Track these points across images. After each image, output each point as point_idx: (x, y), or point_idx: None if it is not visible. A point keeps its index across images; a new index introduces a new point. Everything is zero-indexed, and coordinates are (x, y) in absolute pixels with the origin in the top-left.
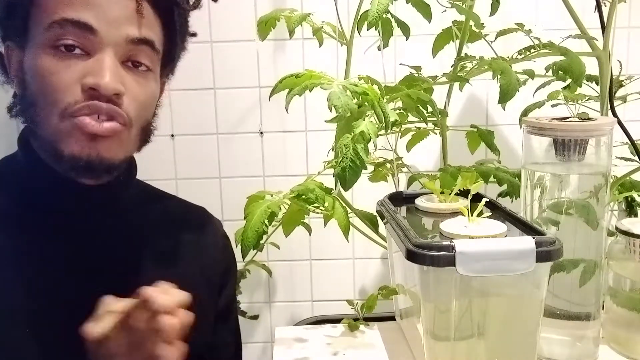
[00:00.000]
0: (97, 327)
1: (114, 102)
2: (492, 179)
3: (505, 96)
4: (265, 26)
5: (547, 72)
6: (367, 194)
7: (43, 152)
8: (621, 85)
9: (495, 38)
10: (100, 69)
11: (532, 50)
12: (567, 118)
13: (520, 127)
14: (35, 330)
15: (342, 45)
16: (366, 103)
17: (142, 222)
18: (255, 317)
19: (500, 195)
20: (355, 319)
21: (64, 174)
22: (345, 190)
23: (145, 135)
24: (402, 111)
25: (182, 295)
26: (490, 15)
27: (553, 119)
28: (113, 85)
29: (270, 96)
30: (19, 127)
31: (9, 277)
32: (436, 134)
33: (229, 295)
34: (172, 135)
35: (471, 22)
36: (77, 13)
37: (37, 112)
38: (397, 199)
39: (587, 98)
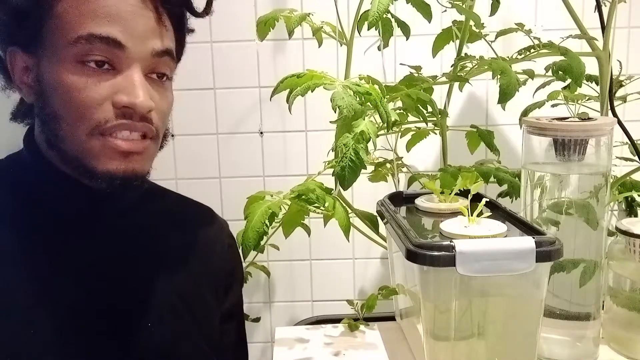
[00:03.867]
0: None
1: (147, 119)
2: (492, 179)
3: (505, 96)
4: (264, 26)
5: (547, 72)
6: (367, 194)
7: (65, 166)
8: (621, 85)
9: (495, 38)
10: (133, 87)
11: (532, 50)
12: (567, 118)
13: (520, 127)
14: (40, 331)
15: (342, 45)
16: (369, 103)
17: (147, 221)
18: (257, 320)
19: (500, 195)
20: (355, 319)
21: (97, 187)
22: (344, 189)
23: (164, 141)
24: (402, 111)
25: None
26: (490, 15)
27: (553, 119)
28: (148, 104)
29: (271, 96)
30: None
31: (11, 276)
32: (436, 134)
33: (236, 295)
34: (172, 135)
35: (471, 22)
36: (104, 28)
37: (61, 127)
38: (397, 199)
39: (587, 98)
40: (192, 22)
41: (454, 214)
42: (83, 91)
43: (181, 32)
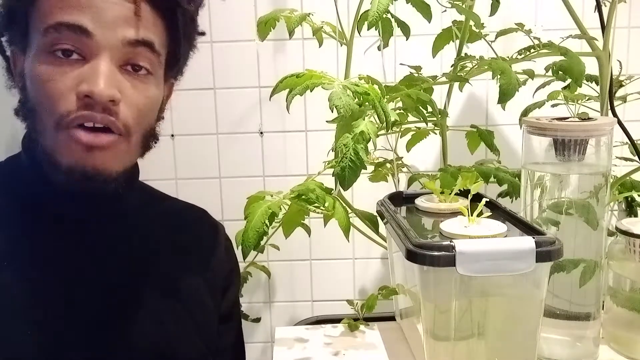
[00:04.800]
0: None
1: (110, 111)
2: (492, 179)
3: (505, 96)
4: (265, 26)
5: (547, 72)
6: (367, 194)
7: (42, 160)
8: (621, 85)
9: (495, 38)
10: (95, 75)
11: (532, 50)
12: (567, 118)
13: (520, 127)
14: (37, 331)
15: (342, 45)
16: (367, 103)
17: (143, 225)
18: (257, 320)
19: (500, 195)
20: (355, 319)
21: (64, 186)
22: (345, 189)
23: (148, 141)
24: (402, 111)
25: None
26: (490, 15)
27: (553, 119)
28: (107, 92)
29: (271, 96)
30: (22, 127)
31: (9, 278)
32: (436, 134)
33: (232, 297)
34: (172, 135)
35: (471, 22)
36: (72, 16)
37: (36, 120)
38: (397, 199)
39: (587, 98)
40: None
41: (454, 214)
42: (50, 82)
43: (174, 28)
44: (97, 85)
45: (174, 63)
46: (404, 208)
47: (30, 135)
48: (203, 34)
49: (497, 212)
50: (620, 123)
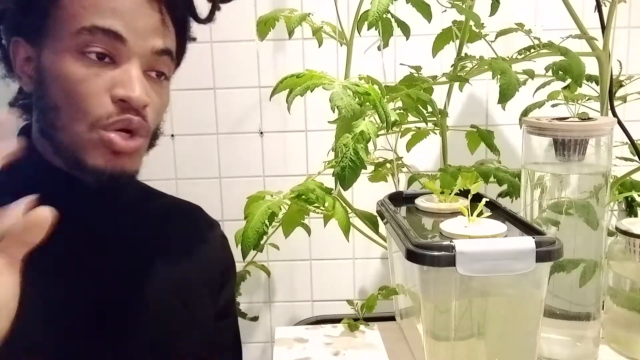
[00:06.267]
0: None
1: (142, 115)
2: (492, 179)
3: (505, 96)
4: (264, 26)
5: (547, 72)
6: (367, 194)
7: (57, 157)
8: (621, 85)
9: (495, 38)
10: (130, 81)
11: (532, 50)
12: (567, 118)
13: (520, 127)
14: (35, 327)
15: (342, 45)
16: (368, 103)
17: (140, 221)
18: (255, 319)
19: (500, 195)
20: (355, 319)
21: (85, 180)
22: (345, 189)
23: (154, 139)
24: (402, 111)
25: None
26: (490, 15)
27: (553, 119)
28: (143, 98)
29: (271, 96)
30: (17, 123)
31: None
32: (436, 134)
33: (228, 294)
34: (172, 135)
35: (471, 22)
36: (107, 21)
37: (58, 117)
38: (397, 199)
39: (587, 98)
40: (194, 29)
41: (454, 214)
42: (82, 82)
43: (183, 36)
44: (134, 91)
45: (176, 67)
46: (404, 208)
47: (42, 130)
48: (194, 39)
49: (497, 212)
50: (620, 123)
